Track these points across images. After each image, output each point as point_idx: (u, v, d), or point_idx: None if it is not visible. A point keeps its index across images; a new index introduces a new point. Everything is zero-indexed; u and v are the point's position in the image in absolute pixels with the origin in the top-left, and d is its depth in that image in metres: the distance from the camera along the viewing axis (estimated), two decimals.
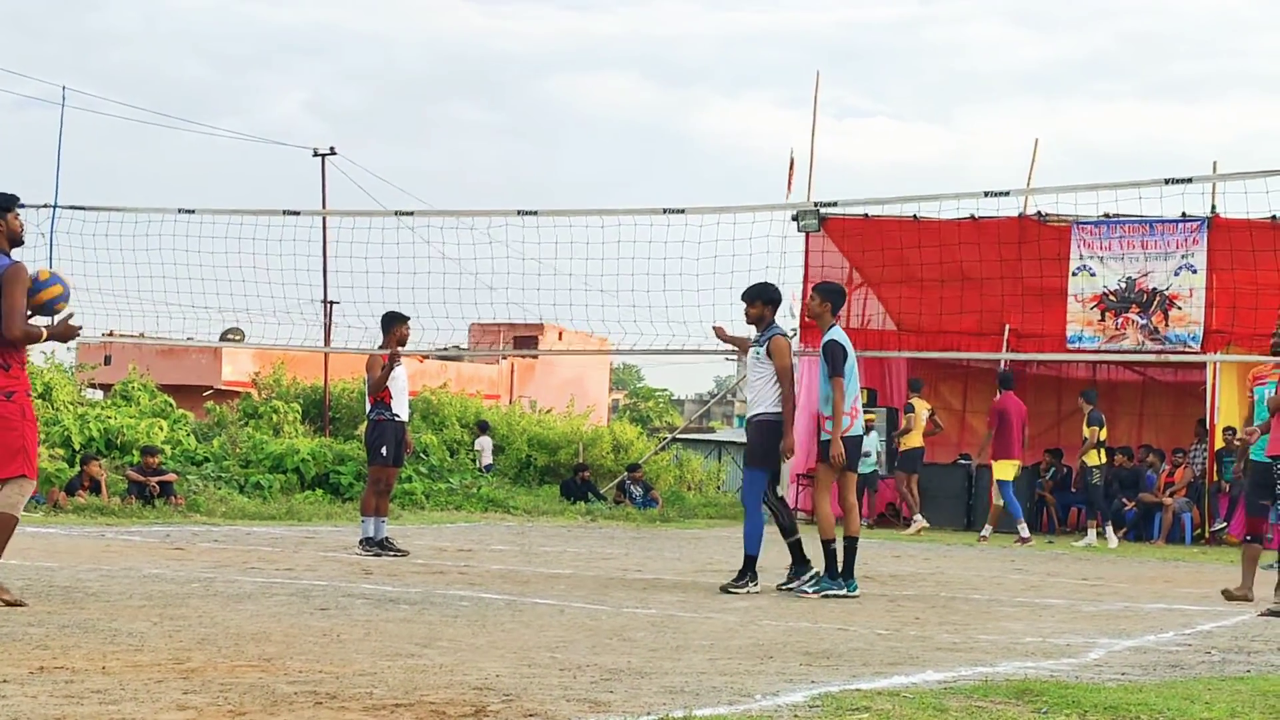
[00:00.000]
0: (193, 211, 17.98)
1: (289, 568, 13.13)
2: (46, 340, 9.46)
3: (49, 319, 9.66)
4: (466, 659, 7.42)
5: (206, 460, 26.23)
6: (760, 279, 13.89)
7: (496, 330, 52.35)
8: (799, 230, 26.28)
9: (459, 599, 10.61)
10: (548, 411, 40.82)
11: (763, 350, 12.74)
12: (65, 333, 9.57)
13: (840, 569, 12.47)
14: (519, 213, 16.63)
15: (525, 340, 53.83)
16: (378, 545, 15.32)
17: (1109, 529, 22.77)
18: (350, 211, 19.30)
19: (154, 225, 18.06)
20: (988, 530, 23.00)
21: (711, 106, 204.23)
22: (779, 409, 12.66)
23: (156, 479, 22.29)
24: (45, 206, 17.77)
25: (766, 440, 12.69)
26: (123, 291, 18.67)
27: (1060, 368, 29.68)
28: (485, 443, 33.19)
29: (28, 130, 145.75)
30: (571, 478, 30.25)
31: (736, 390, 47.26)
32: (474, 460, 32.13)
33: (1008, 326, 25.50)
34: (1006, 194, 16.11)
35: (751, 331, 13.18)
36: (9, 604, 8.92)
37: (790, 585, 12.57)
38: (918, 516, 24.95)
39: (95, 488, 21.64)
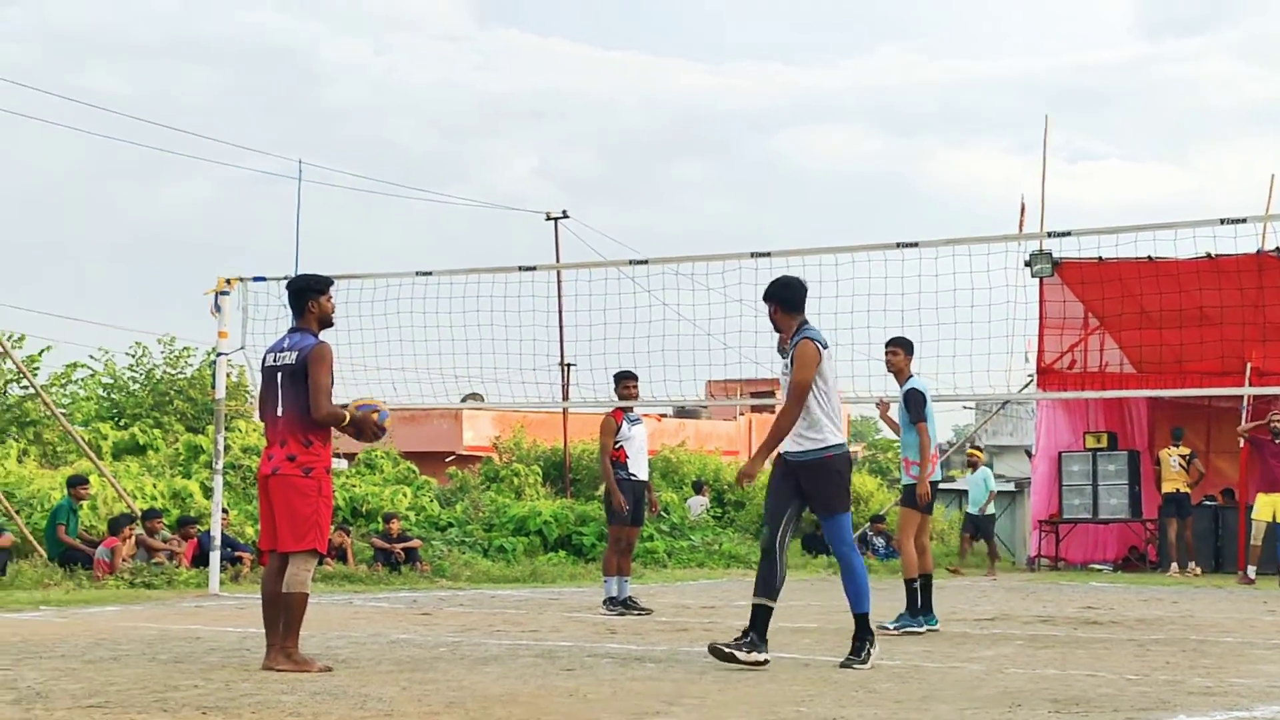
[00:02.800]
0: (430, 274, 18.26)
1: (534, 629, 13.19)
2: (347, 425, 9.69)
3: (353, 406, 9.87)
4: (712, 715, 7.37)
5: (450, 525, 26.56)
6: (995, 319, 13.94)
7: (733, 386, 52.35)
8: (1033, 276, 25.82)
9: (704, 656, 10.55)
10: None
11: (789, 360, 10.34)
12: (365, 424, 9.78)
13: (920, 605, 13.08)
14: (752, 255, 16.64)
15: (764, 394, 53.78)
16: (621, 604, 15.35)
17: None
18: (585, 264, 19.42)
19: (391, 290, 18.37)
20: (1252, 571, 22.49)
21: (939, 156, 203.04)
22: (840, 438, 10.17)
23: (401, 545, 22.61)
24: (285, 278, 18.10)
25: (844, 474, 10.21)
26: (362, 359, 18.99)
27: None
28: (697, 503, 33.04)
29: (267, 203, 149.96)
30: (813, 531, 30.05)
31: (975, 438, 46.62)
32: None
33: (1249, 364, 24.83)
34: (1244, 221, 15.73)
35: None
36: (320, 671, 9.14)
37: (729, 648, 9.93)
38: (1190, 564, 25.03)
39: (342, 555, 22.02)
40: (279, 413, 9.62)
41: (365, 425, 9.75)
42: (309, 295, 9.92)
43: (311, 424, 9.48)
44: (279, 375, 9.67)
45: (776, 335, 10.56)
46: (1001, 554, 33.68)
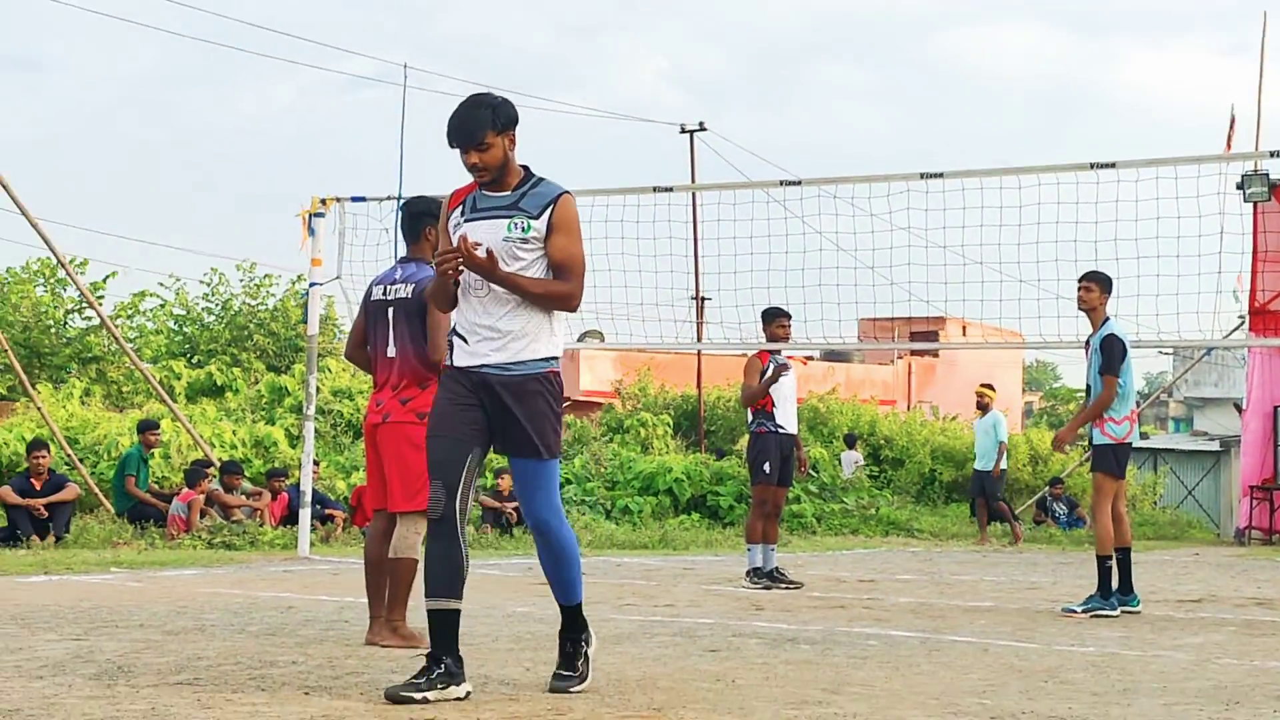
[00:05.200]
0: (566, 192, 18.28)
1: (669, 604, 13.28)
2: None
3: None
4: (883, 707, 7.41)
5: (568, 482, 26.75)
6: (1202, 252, 13.91)
7: (890, 325, 52.21)
8: (1245, 200, 25.28)
9: (865, 637, 10.59)
10: (952, 419, 40.61)
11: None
12: None
13: (1119, 584, 13.00)
14: (922, 176, 16.58)
15: (924, 336, 53.56)
16: (767, 576, 15.42)
17: None
18: (728, 185, 19.34)
19: None
20: None
21: (1133, 59, 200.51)
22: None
23: (513, 505, 22.78)
24: (389, 198, 18.25)
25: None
26: None
27: None
28: (851, 458, 32.91)
29: (365, 113, 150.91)
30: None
31: (1174, 389, 46.26)
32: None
33: None
34: None
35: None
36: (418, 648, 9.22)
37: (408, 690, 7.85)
38: None
39: None
40: (390, 352, 9.80)
41: None
42: (427, 220, 10.02)
43: (429, 365, 9.58)
44: (390, 310, 9.81)
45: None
46: (1204, 524, 33.48)
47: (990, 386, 26.74)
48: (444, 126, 7.65)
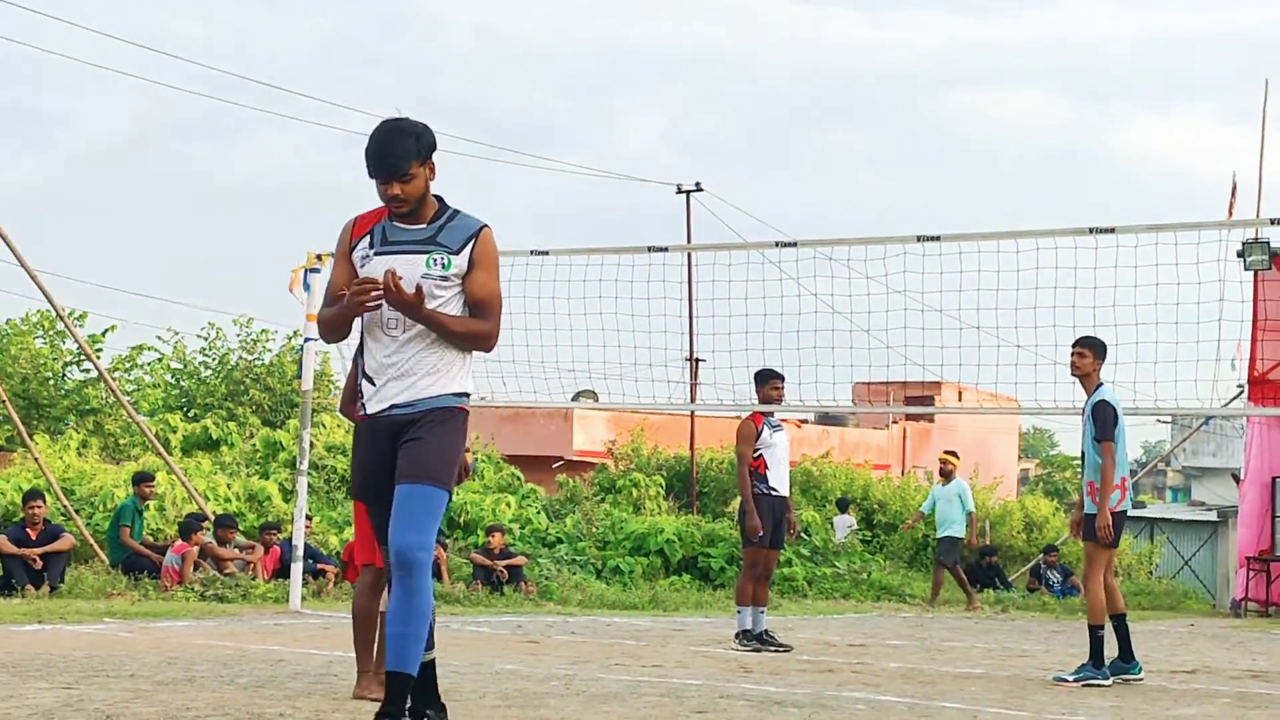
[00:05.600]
0: (546, 253, 18.36)
1: (657, 664, 13.32)
2: None
3: None
4: None
5: (559, 541, 26.80)
6: (1201, 319, 13.95)
7: (886, 389, 52.27)
8: (1246, 268, 25.18)
9: (854, 702, 10.64)
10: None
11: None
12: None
13: (1119, 652, 13.02)
14: (919, 239, 16.65)
15: (919, 401, 53.63)
16: (756, 639, 15.46)
17: None
18: (723, 245, 19.48)
19: (501, 271, 18.50)
20: None
21: (1135, 124, 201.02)
22: None
23: (504, 563, 22.84)
24: None
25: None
26: None
27: None
28: (844, 522, 32.95)
29: (356, 168, 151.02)
30: (976, 561, 30.01)
31: (1171, 459, 46.30)
32: None
33: None
34: None
35: None
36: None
37: None
38: None
39: (436, 572, 22.29)
40: None
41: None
42: None
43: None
44: None
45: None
46: (1200, 595, 33.49)
47: (954, 454, 26.81)
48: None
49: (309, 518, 20.89)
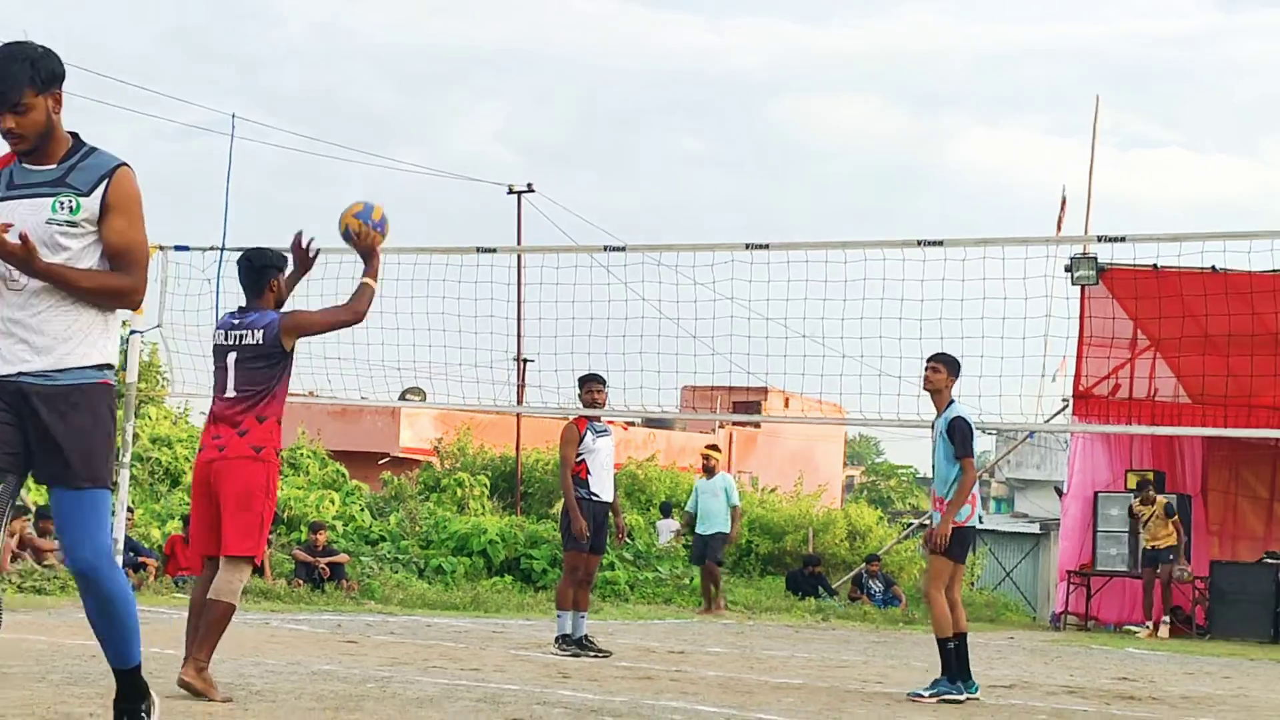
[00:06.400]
0: None
1: (475, 667, 13.31)
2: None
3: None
4: None
5: (382, 539, 26.71)
6: (1027, 334, 14.18)
7: (713, 394, 52.57)
8: (1073, 283, 25.33)
9: (670, 711, 10.68)
10: (772, 491, 40.90)
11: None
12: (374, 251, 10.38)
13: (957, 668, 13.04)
14: (747, 246, 16.74)
15: (746, 407, 53.89)
16: (576, 644, 15.49)
17: None
18: (551, 248, 19.48)
19: (330, 269, 18.37)
20: None
21: (968, 135, 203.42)
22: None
23: (326, 560, 22.76)
24: (212, 249, 18.26)
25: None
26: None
27: None
28: (668, 526, 33.00)
29: (191, 161, 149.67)
30: (799, 569, 30.25)
31: (995, 470, 46.87)
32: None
33: None
34: None
35: None
36: (223, 701, 9.42)
37: None
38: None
39: (258, 568, 22.13)
40: (230, 393, 10.11)
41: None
42: (270, 273, 10.39)
43: (269, 406, 9.98)
44: (232, 354, 10.14)
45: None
46: (1021, 607, 33.92)
47: (715, 448, 26.86)
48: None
49: (130, 510, 20.70)
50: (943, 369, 13.34)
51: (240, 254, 10.71)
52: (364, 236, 10.17)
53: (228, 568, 9.78)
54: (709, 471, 26.08)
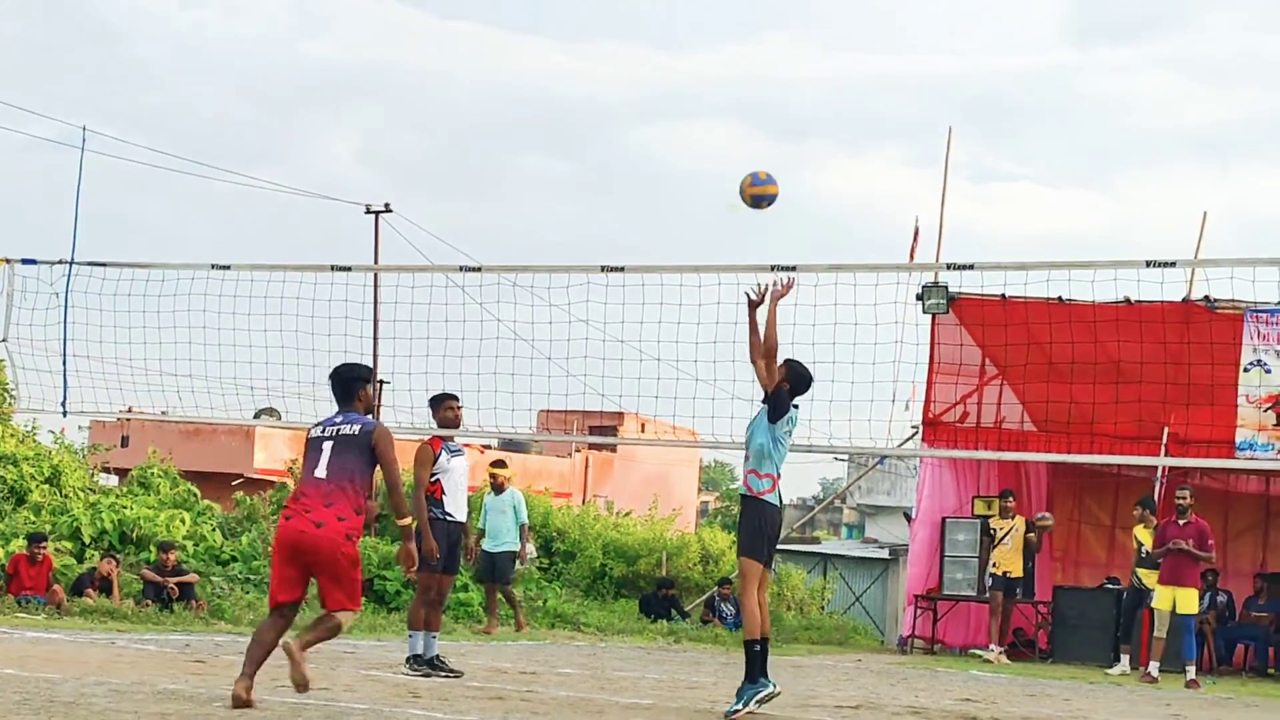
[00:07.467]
0: (228, 268, 18.12)
1: (324, 687, 13.17)
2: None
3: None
4: None
5: (234, 559, 26.46)
6: (878, 360, 14.21)
7: (569, 418, 52.50)
8: (924, 311, 25.48)
9: None
10: (626, 514, 40.86)
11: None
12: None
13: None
14: (603, 269, 16.69)
15: (603, 430, 53.91)
16: (427, 664, 15.38)
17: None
18: (408, 268, 19.30)
19: (182, 285, 18.21)
20: (1154, 668, 22.35)
21: (827, 164, 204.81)
22: None
23: (175, 580, 22.50)
24: (60, 263, 18.01)
25: None
26: (143, 361, 18.79)
27: (1227, 479, 29.34)
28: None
29: (40, 174, 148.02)
30: (653, 592, 30.23)
31: (847, 495, 47.16)
32: None
33: (1167, 429, 25.20)
34: (1173, 264, 15.39)
35: None
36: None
37: None
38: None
39: (106, 588, 21.85)
40: (321, 474, 11.46)
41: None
42: (359, 384, 11.79)
43: (359, 494, 11.48)
44: (329, 443, 11.54)
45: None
46: (870, 631, 34.07)
47: (503, 463, 26.46)
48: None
49: None
50: (783, 370, 13.44)
51: (331, 369, 12.02)
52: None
53: (344, 617, 11.40)
54: (497, 489, 25.37)
